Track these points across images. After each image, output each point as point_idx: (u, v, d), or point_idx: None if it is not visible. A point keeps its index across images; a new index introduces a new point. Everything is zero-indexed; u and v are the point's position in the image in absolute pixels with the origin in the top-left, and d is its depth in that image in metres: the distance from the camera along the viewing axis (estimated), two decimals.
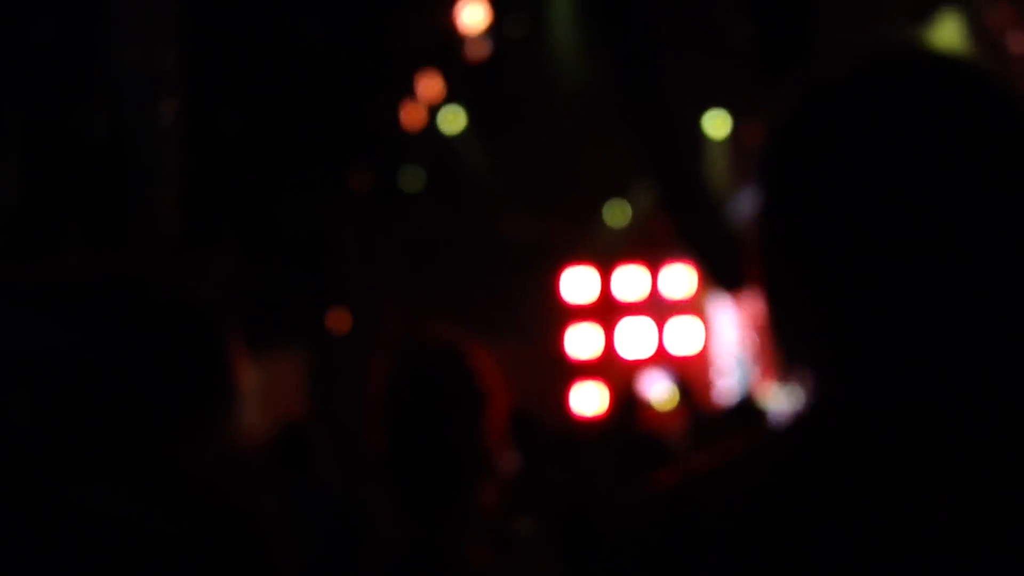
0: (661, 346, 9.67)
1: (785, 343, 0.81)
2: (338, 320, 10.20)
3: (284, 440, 4.12)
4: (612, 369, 9.65)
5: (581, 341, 9.85)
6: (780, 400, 6.78)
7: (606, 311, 9.84)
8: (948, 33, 6.64)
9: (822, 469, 0.76)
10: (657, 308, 9.73)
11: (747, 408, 4.85)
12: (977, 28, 6.66)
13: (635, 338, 9.72)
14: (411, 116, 10.10)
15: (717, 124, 8.98)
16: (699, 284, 9.50)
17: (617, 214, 10.24)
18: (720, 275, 7.44)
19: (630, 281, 9.83)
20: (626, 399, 7.07)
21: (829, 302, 0.78)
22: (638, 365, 9.34)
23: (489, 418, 1.62)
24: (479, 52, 9.41)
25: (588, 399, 9.66)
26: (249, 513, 1.79)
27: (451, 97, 9.91)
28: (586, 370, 9.78)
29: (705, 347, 9.75)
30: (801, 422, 0.80)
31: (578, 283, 9.91)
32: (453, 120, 10.18)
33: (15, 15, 7.85)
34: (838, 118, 0.80)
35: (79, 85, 8.53)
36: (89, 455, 1.73)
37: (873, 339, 0.76)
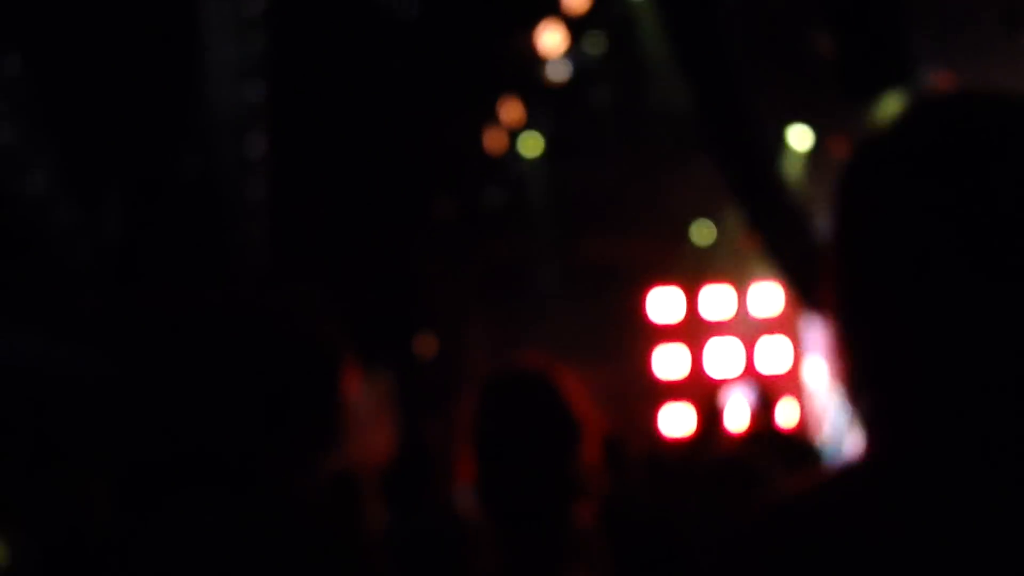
0: (750, 366, 9.53)
1: (848, 376, 0.80)
2: (424, 345, 10.29)
3: (403, 462, 4.17)
4: (701, 390, 9.53)
5: (668, 362, 9.76)
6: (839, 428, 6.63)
7: (693, 331, 9.74)
8: None
9: (879, 529, 0.74)
10: (745, 327, 9.60)
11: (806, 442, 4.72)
12: None
13: (723, 358, 9.60)
14: (493, 140, 10.19)
15: (800, 137, 8.86)
16: (789, 303, 9.35)
17: (704, 233, 10.15)
18: (805, 292, 7.32)
19: (717, 301, 9.72)
20: (708, 420, 6.99)
21: (888, 345, 0.76)
22: (727, 385, 9.22)
23: (583, 445, 1.62)
24: (559, 75, 9.45)
25: (677, 421, 9.56)
26: (355, 535, 1.82)
27: (531, 121, 9.97)
28: (674, 391, 9.69)
29: (795, 367, 9.58)
30: (857, 473, 0.79)
31: (664, 304, 9.83)
32: (533, 144, 10.23)
33: (114, 58, 8.16)
34: (911, 156, 0.80)
35: (174, 124, 8.82)
36: (211, 477, 1.78)
37: (931, 394, 0.74)
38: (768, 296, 9.54)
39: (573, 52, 9.43)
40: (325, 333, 1.96)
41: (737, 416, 9.15)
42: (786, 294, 9.17)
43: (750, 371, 9.47)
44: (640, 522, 3.45)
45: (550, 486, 1.58)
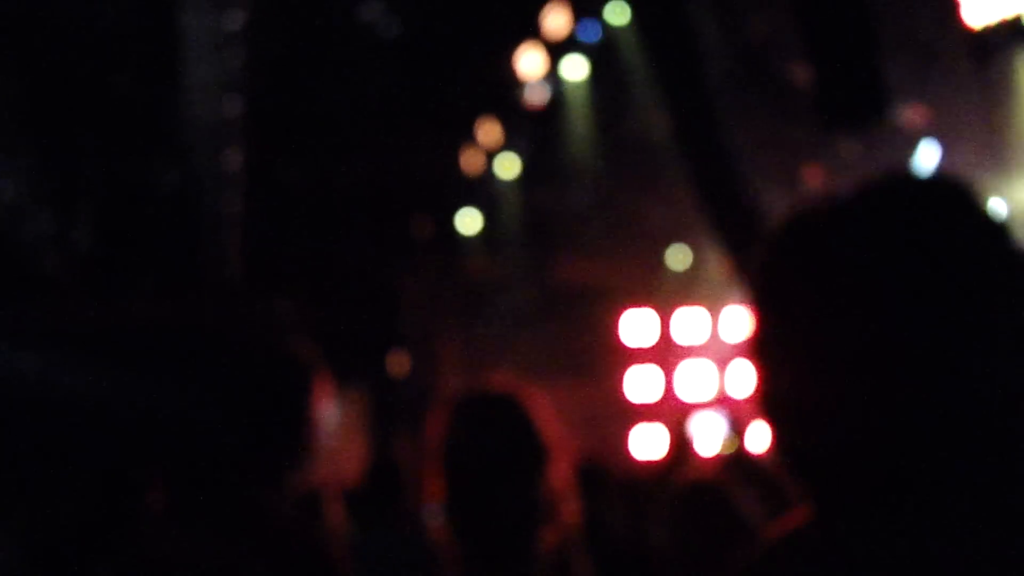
0: (722, 390, 9.57)
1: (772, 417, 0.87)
2: (397, 364, 10.27)
3: (373, 479, 4.15)
4: (672, 413, 9.56)
5: (641, 384, 9.79)
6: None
7: (666, 354, 9.78)
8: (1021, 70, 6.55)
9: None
10: (718, 351, 9.65)
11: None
12: None
13: (695, 381, 9.64)
14: (470, 162, 10.21)
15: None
16: None
17: (678, 258, 10.21)
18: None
19: (691, 324, 9.77)
20: (677, 444, 7.00)
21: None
22: (698, 408, 9.26)
23: (551, 467, 1.61)
24: (537, 98, 9.51)
25: (648, 443, 9.58)
26: (323, 550, 1.82)
27: (509, 142, 10.01)
28: (646, 414, 9.71)
29: None
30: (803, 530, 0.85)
31: (638, 326, 9.87)
32: (510, 166, 10.27)
33: (90, 70, 8.12)
34: (831, 242, 0.86)
35: (149, 137, 8.77)
36: (181, 495, 1.77)
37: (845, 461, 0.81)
38: (741, 320, 9.60)
39: (551, 76, 9.48)
40: (297, 350, 1.95)
41: (708, 440, 9.18)
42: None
43: (722, 395, 9.51)
44: (615, 546, 3.45)
45: (515, 507, 1.57)
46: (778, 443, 0.86)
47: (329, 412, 1.99)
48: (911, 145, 7.24)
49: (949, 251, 0.82)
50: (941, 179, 0.89)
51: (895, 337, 0.80)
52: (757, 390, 0.88)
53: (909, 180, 0.89)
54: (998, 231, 0.84)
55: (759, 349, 0.89)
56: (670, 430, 9.46)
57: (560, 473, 1.62)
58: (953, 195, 0.86)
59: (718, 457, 7.57)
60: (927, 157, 7.89)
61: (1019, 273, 0.83)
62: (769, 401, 0.87)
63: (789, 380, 0.85)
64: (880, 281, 0.81)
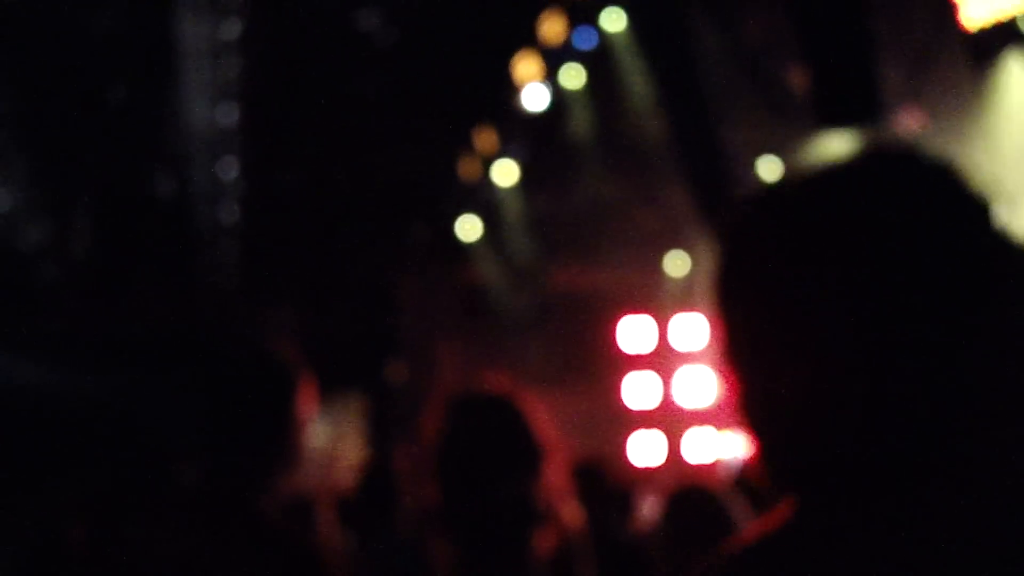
0: (720, 395, 9.56)
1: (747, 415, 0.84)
2: (396, 369, 10.26)
3: (370, 485, 4.14)
4: (671, 419, 9.55)
5: (638, 391, 9.78)
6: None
7: (664, 360, 9.77)
8: (1013, 76, 6.56)
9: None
10: (716, 357, 9.64)
11: None
12: None
13: (693, 387, 9.63)
14: (467, 168, 10.22)
15: (771, 168, 8.96)
16: None
17: (676, 264, 10.21)
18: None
19: (688, 330, 9.77)
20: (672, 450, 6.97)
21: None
22: (696, 414, 9.24)
23: (545, 469, 1.60)
24: (534, 105, 9.52)
25: (646, 449, 9.57)
26: (313, 555, 1.81)
27: (506, 149, 10.02)
28: (644, 420, 9.70)
29: None
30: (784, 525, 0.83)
31: (635, 332, 9.87)
32: (507, 172, 10.28)
33: (87, 80, 8.13)
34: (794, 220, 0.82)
35: (146, 145, 8.78)
36: (167, 499, 1.77)
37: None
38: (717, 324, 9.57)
39: (549, 82, 9.49)
40: (279, 354, 1.95)
41: (702, 446, 9.17)
42: None
43: (720, 401, 9.51)
44: (613, 549, 3.44)
45: (510, 508, 1.56)
46: (754, 443, 0.83)
47: (312, 415, 1.99)
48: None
49: (929, 227, 0.77)
50: (916, 153, 0.83)
51: (871, 326, 0.76)
52: (730, 390, 0.85)
53: (879, 154, 0.84)
54: (979, 207, 0.80)
55: (728, 348, 0.85)
56: (671, 437, 9.46)
57: (555, 474, 1.61)
58: (930, 169, 0.81)
59: (711, 463, 7.56)
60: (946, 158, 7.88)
61: (1003, 250, 0.79)
62: (742, 400, 0.84)
63: (761, 378, 0.82)
64: (851, 266, 0.77)
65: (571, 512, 1.68)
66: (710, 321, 0.87)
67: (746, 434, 0.84)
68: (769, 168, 9.01)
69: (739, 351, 0.84)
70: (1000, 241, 0.80)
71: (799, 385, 0.79)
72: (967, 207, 0.80)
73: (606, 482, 4.56)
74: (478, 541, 1.57)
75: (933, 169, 0.81)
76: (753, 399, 0.82)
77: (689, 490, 2.77)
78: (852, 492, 0.78)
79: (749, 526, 0.85)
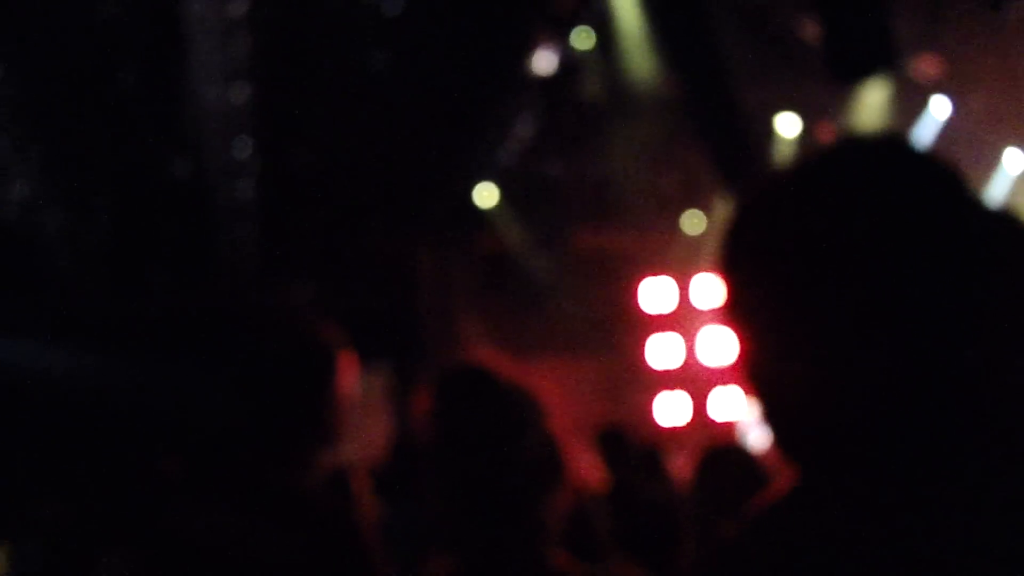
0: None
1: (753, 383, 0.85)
2: (418, 339, 10.29)
3: (398, 455, 4.17)
4: (694, 378, 9.56)
5: (662, 351, 9.79)
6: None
7: (686, 320, 9.76)
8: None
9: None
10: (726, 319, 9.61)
11: None
12: None
13: (717, 347, 9.62)
14: (484, 134, 10.17)
15: (788, 124, 8.88)
16: None
17: (694, 223, 10.17)
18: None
19: (709, 289, 9.74)
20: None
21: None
22: (720, 373, 9.24)
23: (537, 433, 1.60)
24: (547, 65, 9.45)
25: (672, 410, 9.59)
26: (354, 528, 1.83)
27: (522, 112, 9.97)
28: (668, 380, 9.71)
29: None
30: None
31: (657, 293, 9.85)
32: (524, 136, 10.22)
33: (99, 63, 8.13)
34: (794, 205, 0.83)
35: (160, 127, 8.79)
36: (208, 477, 1.79)
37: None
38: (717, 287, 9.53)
39: (561, 44, 9.42)
40: (320, 330, 1.97)
41: (729, 404, 9.17)
42: None
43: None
44: (638, 509, 3.45)
45: (506, 475, 1.56)
46: (759, 411, 0.85)
47: (354, 391, 2.01)
48: (923, 97, 7.16)
49: (921, 208, 0.79)
50: (905, 139, 0.85)
51: (871, 298, 0.77)
52: (737, 358, 0.86)
53: (875, 139, 0.86)
54: (967, 192, 0.81)
55: (734, 317, 0.88)
56: (695, 396, 9.47)
57: (560, 438, 1.61)
58: (920, 155, 0.83)
59: (737, 422, 7.55)
60: (939, 110, 7.80)
61: (994, 230, 0.80)
62: (748, 369, 0.85)
63: (766, 348, 0.83)
64: (850, 242, 0.78)
65: (587, 474, 1.68)
66: (719, 286, 0.89)
67: (752, 399, 0.85)
68: (787, 125, 8.93)
69: (742, 320, 0.86)
70: (1005, 220, 0.82)
71: (799, 357, 0.80)
72: (956, 187, 0.82)
73: (631, 444, 4.58)
74: (483, 511, 1.57)
75: (921, 153, 0.84)
76: (756, 366, 0.84)
77: (721, 450, 2.78)
78: (850, 467, 0.78)
79: (757, 495, 0.86)
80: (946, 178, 0.81)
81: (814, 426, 0.80)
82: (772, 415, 0.83)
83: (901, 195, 0.79)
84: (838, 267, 0.78)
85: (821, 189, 0.82)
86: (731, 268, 0.88)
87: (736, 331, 0.87)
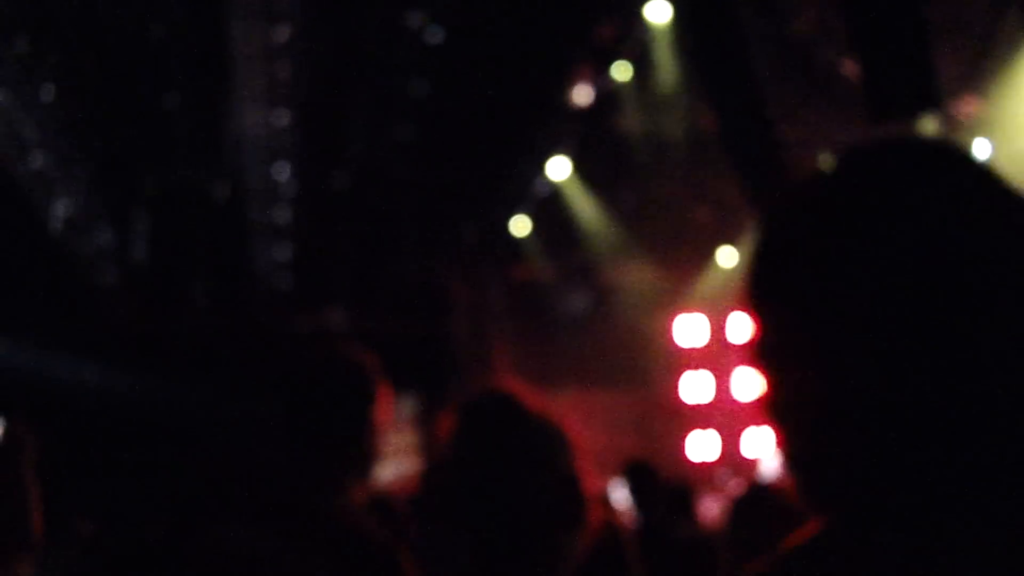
0: None
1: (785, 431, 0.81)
2: (450, 370, 10.29)
3: (430, 481, 4.16)
4: (726, 416, 9.48)
5: (694, 387, 9.72)
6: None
7: (720, 356, 9.69)
8: None
9: None
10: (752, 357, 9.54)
11: None
12: None
13: (750, 383, 9.54)
14: (520, 165, 10.21)
15: (825, 163, 8.84)
16: None
17: (729, 259, 10.12)
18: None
19: (744, 326, 9.68)
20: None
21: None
22: (753, 411, 9.16)
23: (554, 470, 1.58)
24: (584, 100, 9.48)
25: (703, 446, 9.50)
26: (392, 554, 1.83)
27: (558, 146, 10.00)
28: (700, 417, 9.64)
29: None
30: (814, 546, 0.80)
31: (690, 329, 9.80)
32: (560, 169, 10.25)
33: (143, 86, 8.27)
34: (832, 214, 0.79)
35: (202, 150, 8.91)
36: (245, 498, 1.79)
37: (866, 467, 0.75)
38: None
39: (599, 78, 9.45)
40: (359, 358, 1.97)
41: (763, 443, 9.07)
42: None
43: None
44: (673, 547, 3.41)
45: (528, 508, 1.54)
46: (784, 450, 0.81)
47: (390, 417, 2.01)
48: (966, 139, 7.10)
49: (961, 234, 0.73)
50: (934, 142, 0.79)
51: (902, 329, 0.72)
52: (763, 395, 0.82)
53: (897, 145, 0.80)
54: (1009, 197, 0.75)
55: (761, 352, 0.83)
56: (726, 433, 9.38)
57: (575, 472, 1.59)
58: (954, 159, 0.77)
59: (768, 461, 7.45)
60: (981, 152, 7.72)
61: None
62: (773, 406, 0.81)
63: (792, 384, 0.79)
64: (879, 272, 0.73)
65: (607, 509, 1.66)
66: (747, 321, 0.84)
67: (776, 435, 0.82)
68: (827, 163, 8.87)
69: (765, 359, 0.82)
70: None
71: (820, 395, 0.76)
72: (1002, 212, 0.76)
73: (661, 480, 4.53)
74: (502, 542, 1.56)
75: (963, 170, 0.78)
76: (780, 405, 0.80)
77: (753, 490, 2.74)
78: (876, 509, 0.75)
79: (788, 537, 0.83)
80: (975, 212, 0.75)
81: (840, 471, 0.77)
82: (796, 459, 0.80)
83: (937, 228, 0.74)
84: (866, 306, 0.74)
85: (848, 215, 0.77)
86: (755, 305, 0.84)
87: (760, 370, 0.83)
